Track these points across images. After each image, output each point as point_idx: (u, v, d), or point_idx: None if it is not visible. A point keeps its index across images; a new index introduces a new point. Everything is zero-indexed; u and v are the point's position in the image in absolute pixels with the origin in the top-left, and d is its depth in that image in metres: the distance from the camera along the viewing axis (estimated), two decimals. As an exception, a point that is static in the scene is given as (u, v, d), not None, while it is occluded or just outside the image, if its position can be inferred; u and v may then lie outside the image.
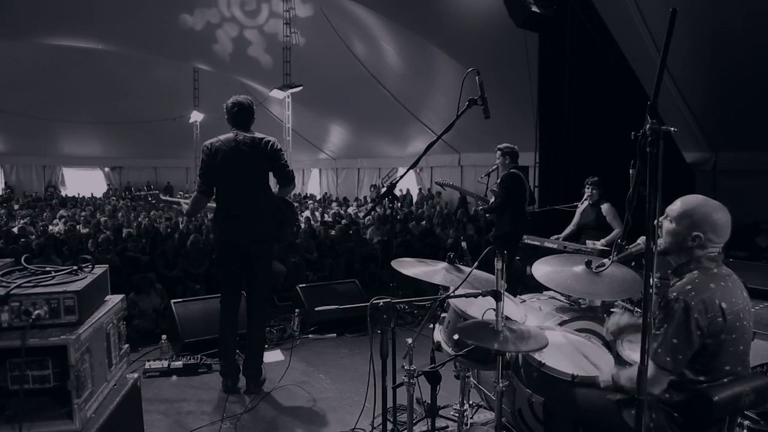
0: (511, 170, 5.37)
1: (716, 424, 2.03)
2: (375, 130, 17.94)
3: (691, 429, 2.05)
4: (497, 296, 2.30)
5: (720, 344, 1.97)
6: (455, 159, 16.03)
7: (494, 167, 5.72)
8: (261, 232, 3.95)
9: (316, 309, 2.71)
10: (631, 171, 1.78)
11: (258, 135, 3.99)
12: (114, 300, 2.25)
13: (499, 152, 5.51)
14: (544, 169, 8.17)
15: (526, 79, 8.78)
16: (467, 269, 2.71)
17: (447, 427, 3.33)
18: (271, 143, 3.97)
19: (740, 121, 8.39)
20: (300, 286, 6.07)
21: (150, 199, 4.70)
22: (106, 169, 24.11)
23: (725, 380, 2.00)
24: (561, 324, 3.10)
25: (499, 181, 5.49)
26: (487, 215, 5.82)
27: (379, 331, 2.42)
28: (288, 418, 3.73)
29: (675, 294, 1.98)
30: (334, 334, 5.52)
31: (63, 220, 12.22)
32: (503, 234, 5.40)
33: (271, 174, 4.08)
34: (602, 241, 5.25)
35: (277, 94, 15.48)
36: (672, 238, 2.10)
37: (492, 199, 5.57)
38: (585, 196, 5.68)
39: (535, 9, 7.08)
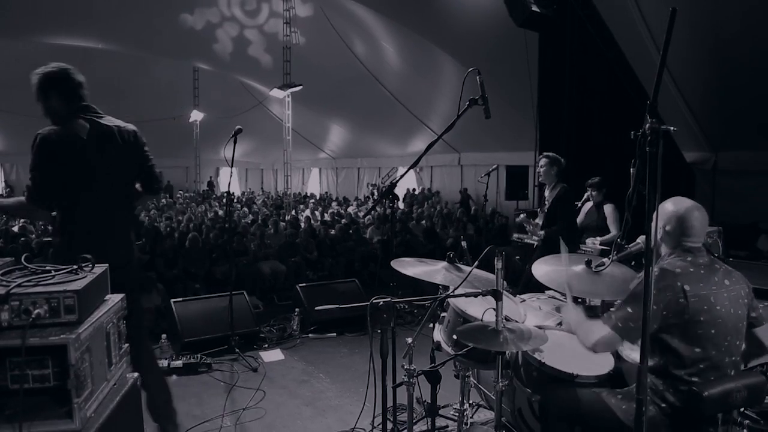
0: (563, 184, 4.95)
1: (708, 421, 2.06)
2: (375, 129, 17.95)
3: (683, 425, 2.09)
4: (497, 296, 2.30)
5: (685, 324, 2.09)
6: (455, 159, 16.05)
7: (493, 167, 5.68)
8: (131, 254, 2.99)
9: (316, 308, 2.71)
10: (631, 170, 1.78)
11: (115, 122, 2.95)
12: (114, 299, 2.25)
13: (546, 160, 4.93)
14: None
15: (526, 79, 8.79)
16: (467, 269, 2.71)
17: (447, 426, 3.33)
18: (137, 134, 2.96)
19: (740, 121, 8.39)
20: (300, 285, 6.09)
21: None
22: (106, 169, 24.13)
23: (701, 366, 2.07)
24: (561, 323, 3.10)
25: (554, 197, 4.93)
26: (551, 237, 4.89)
27: (379, 331, 2.42)
28: (288, 417, 3.74)
29: (641, 276, 2.17)
30: (334, 334, 5.53)
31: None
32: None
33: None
34: (599, 239, 5.21)
35: (277, 93, 15.51)
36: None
37: (539, 220, 5.09)
38: (585, 197, 5.67)
39: (535, 8, 7.08)
